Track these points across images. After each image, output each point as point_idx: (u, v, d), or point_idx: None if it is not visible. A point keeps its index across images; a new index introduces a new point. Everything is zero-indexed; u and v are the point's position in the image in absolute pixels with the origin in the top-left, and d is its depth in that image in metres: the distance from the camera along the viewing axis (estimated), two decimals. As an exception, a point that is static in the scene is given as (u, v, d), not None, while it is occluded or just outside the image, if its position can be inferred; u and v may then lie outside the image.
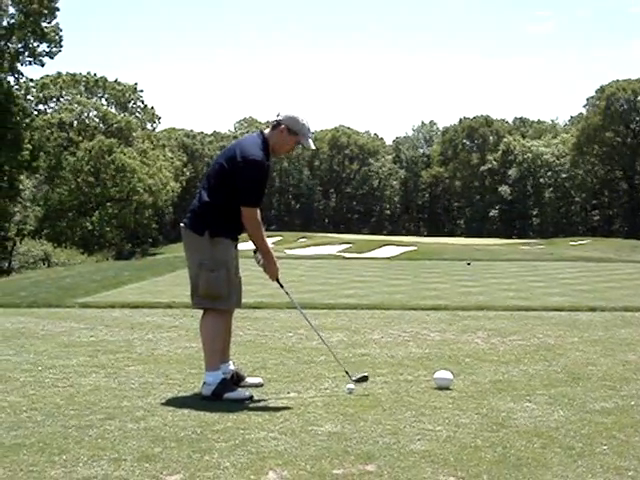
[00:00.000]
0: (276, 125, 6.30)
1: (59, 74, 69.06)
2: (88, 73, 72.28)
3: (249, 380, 6.52)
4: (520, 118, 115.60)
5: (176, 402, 5.90)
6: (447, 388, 6.37)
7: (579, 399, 6.08)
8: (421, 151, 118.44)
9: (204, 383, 6.17)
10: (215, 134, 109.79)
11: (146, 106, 77.27)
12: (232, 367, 6.49)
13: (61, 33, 50.71)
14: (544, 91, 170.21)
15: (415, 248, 39.05)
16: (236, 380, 6.41)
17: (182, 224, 6.37)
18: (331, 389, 6.36)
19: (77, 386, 6.43)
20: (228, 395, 6.07)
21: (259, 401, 5.96)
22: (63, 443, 4.85)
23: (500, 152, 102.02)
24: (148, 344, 8.61)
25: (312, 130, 6.45)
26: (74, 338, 9.01)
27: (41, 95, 67.84)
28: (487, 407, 5.80)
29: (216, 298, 6.18)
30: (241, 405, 5.82)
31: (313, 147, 6.51)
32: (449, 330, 9.73)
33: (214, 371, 6.17)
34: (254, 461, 4.55)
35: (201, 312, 6.35)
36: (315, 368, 7.24)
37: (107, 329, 9.71)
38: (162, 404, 5.84)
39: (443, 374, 6.49)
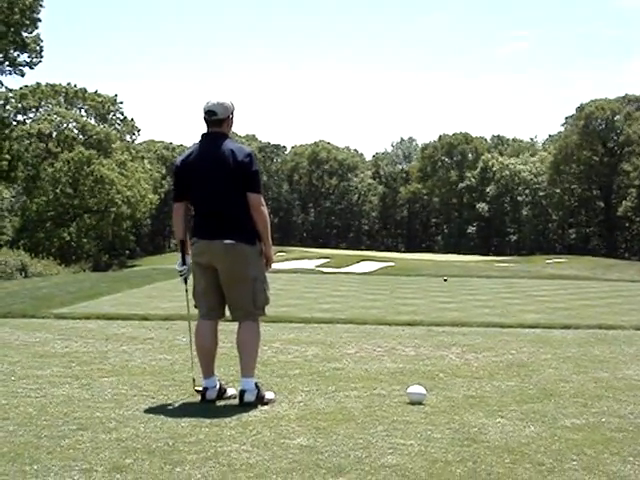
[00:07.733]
0: None
1: (38, 84, 68.78)
2: (68, 84, 72.13)
3: (230, 391, 6.59)
4: (498, 136, 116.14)
5: (149, 414, 5.90)
6: (420, 403, 6.38)
7: (550, 415, 6.11)
8: (400, 167, 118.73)
9: (245, 390, 6.30)
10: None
11: (125, 118, 77.17)
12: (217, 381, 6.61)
13: (42, 43, 50.52)
14: (523, 109, 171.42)
15: (393, 264, 39.15)
16: (219, 394, 6.50)
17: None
18: (305, 402, 6.37)
19: (50, 396, 6.42)
20: (268, 396, 6.38)
21: (232, 414, 5.96)
22: (35, 453, 4.84)
23: (478, 169, 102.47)
24: (122, 355, 8.59)
25: (208, 104, 6.50)
26: (48, 349, 8.99)
27: (20, 105, 67.46)
28: (459, 422, 5.82)
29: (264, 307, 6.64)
30: (213, 418, 5.82)
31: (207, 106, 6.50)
32: (424, 345, 9.75)
33: (252, 377, 6.41)
34: (225, 473, 4.55)
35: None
36: (289, 381, 7.25)
37: (82, 340, 9.68)
38: (134, 415, 5.83)
39: (416, 389, 6.51)
